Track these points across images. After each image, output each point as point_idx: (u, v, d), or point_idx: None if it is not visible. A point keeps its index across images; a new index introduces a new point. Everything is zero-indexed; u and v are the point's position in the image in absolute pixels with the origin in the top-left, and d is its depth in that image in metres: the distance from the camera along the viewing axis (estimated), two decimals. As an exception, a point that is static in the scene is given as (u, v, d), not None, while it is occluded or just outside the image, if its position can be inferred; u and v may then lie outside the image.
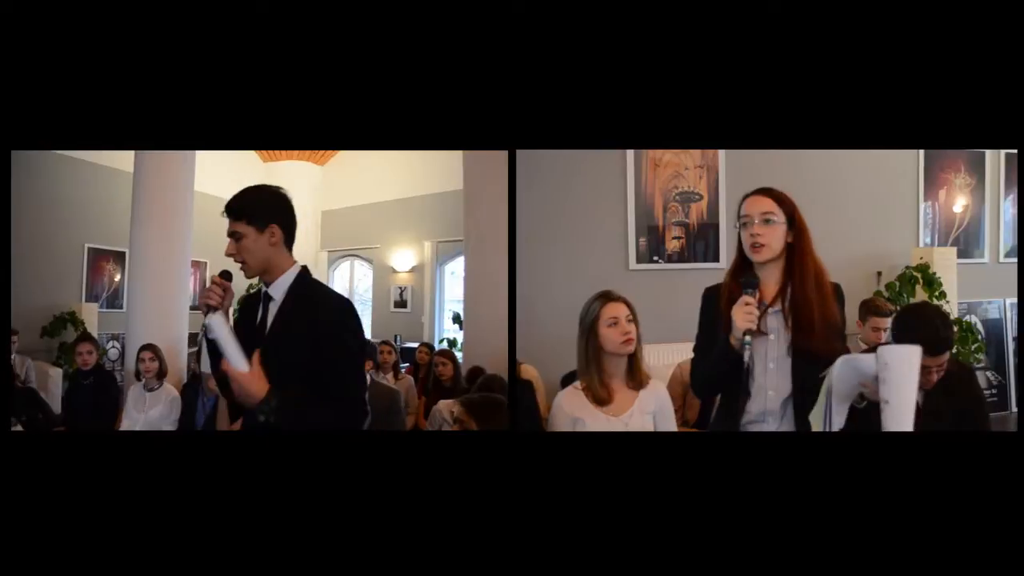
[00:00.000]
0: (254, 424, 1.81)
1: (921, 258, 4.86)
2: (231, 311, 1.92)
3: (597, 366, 2.15)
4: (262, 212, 1.83)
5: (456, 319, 6.93)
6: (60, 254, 6.47)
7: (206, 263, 7.86)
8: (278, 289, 1.86)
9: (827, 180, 4.67)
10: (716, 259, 4.46)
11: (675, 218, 4.52)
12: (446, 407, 3.38)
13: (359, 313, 1.92)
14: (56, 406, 4.79)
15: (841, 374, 1.79)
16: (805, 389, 1.87)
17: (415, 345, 6.25)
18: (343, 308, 1.84)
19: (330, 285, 5.82)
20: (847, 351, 1.92)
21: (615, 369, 2.17)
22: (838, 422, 1.83)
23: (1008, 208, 5.36)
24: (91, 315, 6.46)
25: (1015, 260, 5.23)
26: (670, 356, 3.78)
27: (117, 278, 6.95)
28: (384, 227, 8.66)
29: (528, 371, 3.44)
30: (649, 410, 2.19)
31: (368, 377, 3.37)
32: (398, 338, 7.88)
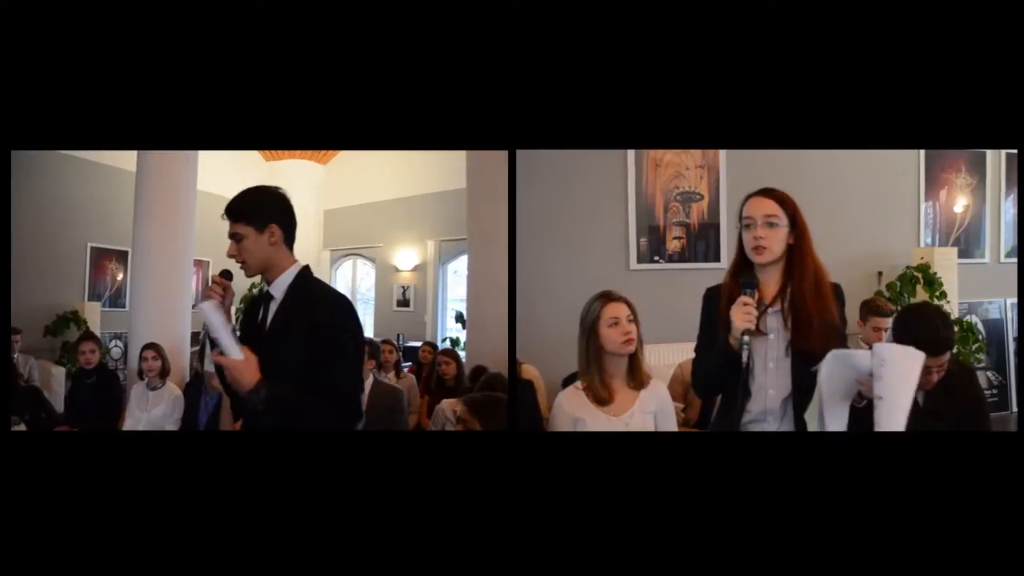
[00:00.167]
0: (255, 424, 1.83)
1: (922, 258, 4.86)
2: (232, 310, 1.94)
3: (598, 366, 2.15)
4: (261, 212, 1.85)
5: (459, 318, 6.92)
6: (63, 253, 6.47)
7: (209, 262, 7.85)
8: (278, 288, 1.88)
9: (828, 180, 4.66)
10: (717, 259, 4.45)
11: (676, 218, 4.51)
12: (449, 406, 3.38)
13: (361, 312, 1.92)
14: (59, 405, 4.80)
15: (833, 370, 1.80)
16: (804, 388, 1.88)
17: (418, 344, 6.24)
18: (341, 308, 1.85)
19: (333, 284, 5.84)
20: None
21: (616, 369, 2.17)
22: (839, 423, 1.83)
23: (1009, 208, 5.35)
24: (94, 314, 6.47)
25: (1016, 260, 5.21)
26: (671, 356, 3.78)
27: (120, 277, 6.95)
28: (386, 226, 8.65)
29: (528, 371, 3.44)
30: (650, 410, 2.19)
31: (371, 376, 3.38)
32: (401, 337, 7.88)
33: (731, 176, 4.52)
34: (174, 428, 3.94)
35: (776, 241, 1.88)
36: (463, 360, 4.70)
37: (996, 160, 5.32)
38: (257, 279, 1.95)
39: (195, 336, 5.16)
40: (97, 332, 5.85)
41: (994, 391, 5.12)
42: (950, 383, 2.25)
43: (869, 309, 3.45)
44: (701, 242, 4.53)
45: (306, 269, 1.91)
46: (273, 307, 1.88)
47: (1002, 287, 5.25)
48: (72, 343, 5.58)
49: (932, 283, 4.73)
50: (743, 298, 1.83)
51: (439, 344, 6.36)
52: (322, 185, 9.07)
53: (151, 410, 3.96)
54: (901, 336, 2.20)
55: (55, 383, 5.37)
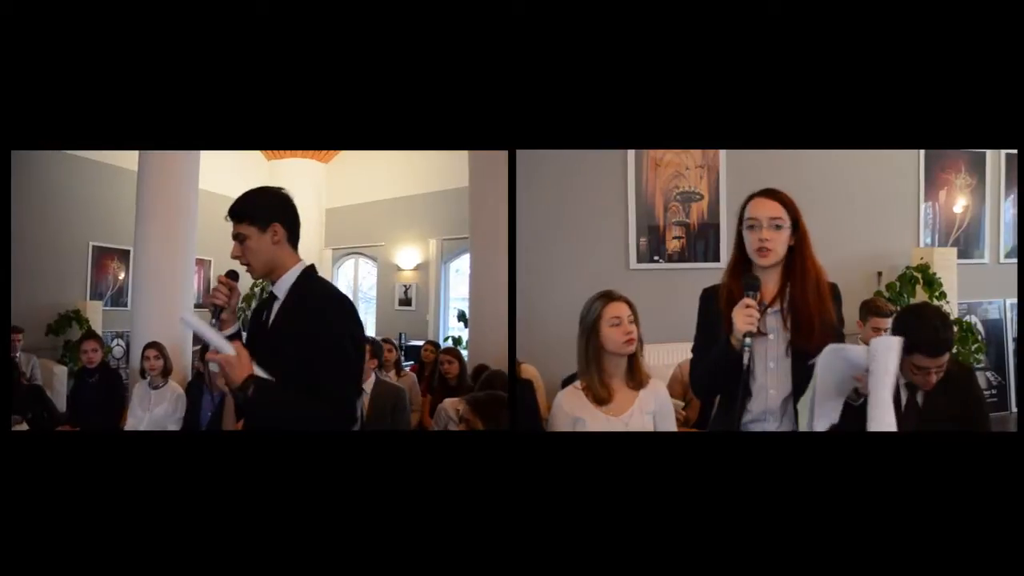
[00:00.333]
0: (257, 424, 1.83)
1: (921, 258, 4.85)
2: (238, 310, 1.94)
3: (598, 366, 2.15)
4: (263, 212, 1.84)
5: (461, 317, 6.92)
6: (65, 252, 6.47)
7: (210, 261, 7.86)
8: (281, 288, 1.87)
9: (827, 180, 4.66)
10: (716, 259, 4.44)
11: (676, 218, 4.51)
12: (451, 405, 3.39)
13: (363, 312, 1.92)
14: (61, 404, 4.80)
15: (828, 364, 1.81)
16: (804, 388, 1.88)
17: (420, 343, 6.25)
18: (340, 308, 1.83)
19: (334, 283, 5.83)
20: None
21: (615, 369, 2.18)
22: (831, 417, 1.84)
23: (1008, 208, 5.35)
24: (96, 313, 6.47)
25: (1015, 261, 5.21)
26: (670, 356, 3.78)
27: (121, 276, 6.96)
28: (388, 225, 8.64)
29: (528, 371, 3.44)
30: (649, 410, 2.19)
31: (373, 375, 3.38)
32: (403, 336, 7.88)
33: (731, 176, 4.52)
34: (176, 427, 3.95)
35: (780, 243, 1.88)
36: (465, 359, 4.70)
37: (996, 160, 5.32)
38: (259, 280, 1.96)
39: (197, 335, 5.16)
40: (99, 331, 5.86)
41: (993, 391, 5.12)
42: (949, 383, 2.25)
43: (869, 309, 3.45)
44: (701, 242, 4.52)
45: (310, 268, 1.90)
46: (276, 307, 1.87)
47: (1002, 287, 5.24)
48: (74, 342, 5.58)
49: (932, 283, 4.73)
50: (746, 300, 1.83)
51: (441, 343, 6.35)
52: (324, 184, 9.07)
53: (153, 409, 3.96)
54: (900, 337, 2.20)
55: (57, 382, 5.37)
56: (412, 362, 6.21)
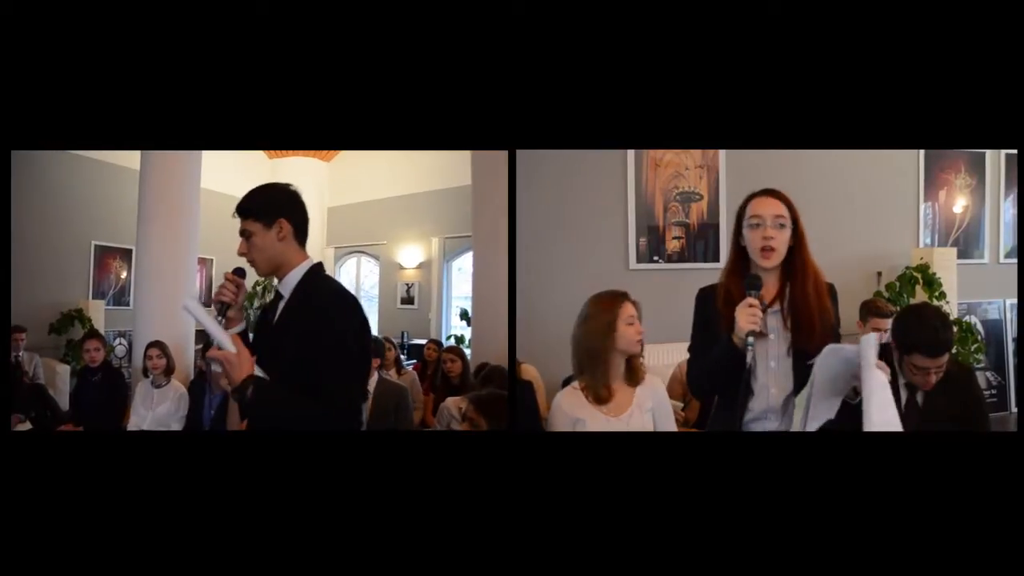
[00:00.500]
0: (257, 424, 1.82)
1: (921, 258, 4.85)
2: (244, 308, 1.93)
3: (605, 364, 2.17)
4: (269, 207, 1.82)
5: (464, 315, 6.92)
6: (67, 251, 6.49)
7: (212, 260, 7.88)
8: (287, 286, 1.84)
9: (827, 180, 4.66)
10: (716, 259, 4.43)
11: (675, 218, 4.50)
12: (454, 404, 3.40)
13: (365, 310, 1.86)
14: (64, 403, 4.82)
15: (827, 363, 1.82)
16: (804, 385, 1.89)
17: (423, 342, 6.25)
18: (344, 308, 1.79)
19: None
20: None
21: (617, 368, 2.19)
22: (825, 414, 1.85)
23: (1008, 209, 5.34)
24: (98, 312, 6.48)
25: (1015, 261, 5.21)
26: (670, 356, 3.78)
27: (124, 275, 6.97)
28: (391, 223, 8.65)
29: (528, 371, 3.44)
30: (648, 407, 2.21)
31: (376, 374, 3.39)
32: (405, 334, 7.89)
33: (731, 176, 4.51)
34: (179, 426, 3.94)
35: (783, 242, 1.89)
36: (468, 357, 4.71)
37: (995, 160, 5.31)
38: (264, 277, 1.93)
39: (199, 334, 5.17)
40: (102, 330, 5.88)
41: (993, 391, 5.11)
42: (949, 384, 2.25)
43: (869, 310, 3.45)
44: (700, 242, 4.52)
45: (317, 266, 1.87)
46: (281, 306, 1.84)
47: (1001, 288, 5.24)
48: (77, 341, 5.61)
49: (931, 283, 4.73)
50: (749, 299, 1.83)
51: (444, 342, 6.36)
52: (326, 182, 9.08)
53: (156, 408, 3.96)
54: (899, 337, 2.21)
55: (60, 381, 5.39)
56: (415, 361, 6.21)
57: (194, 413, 4.01)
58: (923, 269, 4.78)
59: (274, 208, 1.82)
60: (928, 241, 5.14)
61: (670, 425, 2.32)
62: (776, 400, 1.93)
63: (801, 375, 1.91)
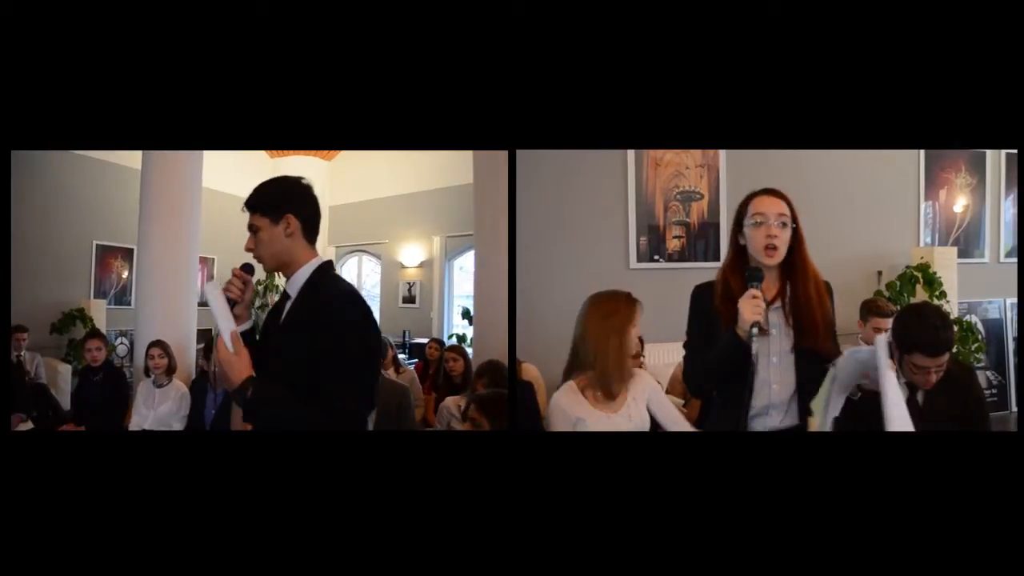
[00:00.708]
0: (258, 426, 1.78)
1: (922, 258, 4.85)
2: (256, 301, 1.90)
3: (621, 365, 2.23)
4: (276, 202, 1.76)
5: (465, 314, 6.92)
6: (69, 251, 6.50)
7: (214, 259, 7.89)
8: (294, 285, 1.77)
9: (827, 180, 4.66)
10: (717, 258, 4.40)
11: (676, 217, 4.50)
12: (453, 403, 3.41)
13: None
14: (66, 402, 4.83)
15: (846, 366, 1.89)
16: (808, 383, 1.93)
17: (424, 341, 6.25)
18: (351, 308, 1.70)
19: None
20: (837, 347, 1.99)
21: (628, 367, 2.26)
22: (833, 413, 1.91)
23: (1008, 208, 5.35)
24: (99, 312, 6.49)
25: (1015, 260, 5.21)
26: (670, 355, 3.77)
27: (125, 275, 6.98)
28: (392, 222, 8.64)
29: (529, 371, 3.44)
30: (642, 396, 2.27)
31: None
32: (407, 333, 7.89)
33: (731, 175, 4.51)
34: (180, 425, 3.95)
35: (785, 241, 1.90)
36: (470, 356, 4.71)
37: (996, 160, 5.32)
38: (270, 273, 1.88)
39: (201, 333, 5.18)
40: (103, 329, 5.87)
41: (993, 391, 5.11)
42: (950, 383, 2.25)
43: (870, 309, 3.45)
44: (701, 241, 4.52)
45: (326, 265, 1.80)
46: (288, 306, 1.78)
47: (1002, 287, 5.24)
48: (78, 341, 5.61)
49: (932, 283, 4.73)
50: (752, 291, 1.84)
51: (446, 341, 6.37)
52: (327, 181, 9.06)
53: (157, 407, 3.97)
54: (900, 336, 2.21)
55: (61, 380, 5.40)
56: (416, 360, 6.21)
57: (196, 412, 4.02)
58: (923, 268, 4.78)
59: (281, 203, 1.75)
60: (928, 240, 5.14)
61: (671, 408, 2.37)
62: (778, 396, 1.94)
63: (804, 373, 1.93)
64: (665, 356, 3.84)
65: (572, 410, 2.20)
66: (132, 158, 5.64)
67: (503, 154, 4.34)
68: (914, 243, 5.08)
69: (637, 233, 4.46)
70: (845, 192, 4.76)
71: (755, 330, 1.82)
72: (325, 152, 8.92)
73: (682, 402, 3.34)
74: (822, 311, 1.94)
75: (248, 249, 1.78)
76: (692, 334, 2.04)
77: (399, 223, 8.58)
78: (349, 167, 9.00)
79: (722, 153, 4.52)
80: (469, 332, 6.30)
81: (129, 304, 6.73)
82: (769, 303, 1.92)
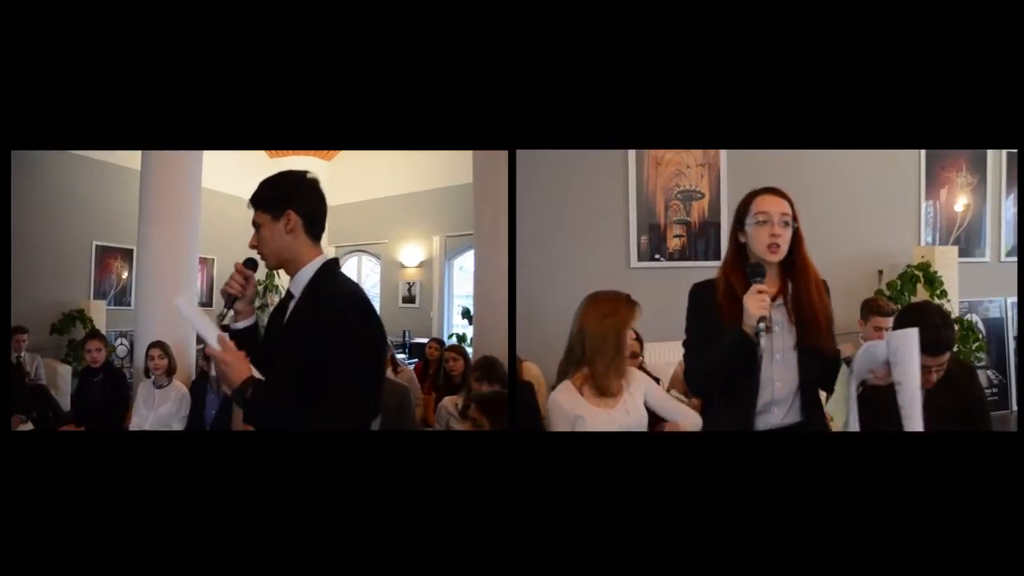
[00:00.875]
0: (260, 427, 1.74)
1: (922, 257, 4.86)
2: (255, 301, 1.86)
3: (621, 358, 2.25)
4: (276, 198, 1.71)
5: (466, 314, 6.93)
6: (68, 251, 6.50)
7: (213, 259, 7.89)
8: (298, 284, 1.72)
9: (828, 179, 4.67)
10: (717, 257, 4.36)
11: (676, 216, 4.50)
12: (451, 402, 3.41)
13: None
14: (65, 403, 4.83)
15: (861, 362, 1.91)
16: (809, 380, 1.95)
17: (424, 341, 6.25)
18: (355, 310, 1.65)
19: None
20: (836, 345, 2.01)
21: (625, 363, 2.28)
22: (855, 410, 1.95)
23: (1009, 207, 5.36)
24: (99, 312, 6.48)
25: (1016, 259, 5.22)
26: (671, 354, 3.77)
27: (125, 275, 6.98)
28: (392, 222, 8.64)
29: (530, 370, 3.44)
30: (639, 391, 2.30)
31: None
32: (407, 333, 7.89)
33: (732, 174, 4.51)
34: (180, 426, 3.95)
35: (787, 240, 1.90)
36: (470, 356, 4.71)
37: (997, 159, 5.32)
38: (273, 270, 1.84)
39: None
40: (103, 330, 5.87)
41: (994, 390, 5.12)
42: (950, 382, 2.26)
43: (870, 308, 3.44)
44: (702, 240, 4.52)
45: (331, 263, 1.74)
46: (292, 306, 1.73)
47: (1002, 286, 5.25)
48: (78, 341, 5.61)
49: (932, 282, 4.74)
50: (757, 286, 1.84)
51: (446, 340, 6.37)
52: (327, 181, 8.99)
53: (157, 408, 3.97)
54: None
55: (61, 381, 5.39)
56: (416, 360, 6.21)
57: (196, 413, 4.02)
58: (924, 267, 4.78)
59: (282, 198, 1.71)
60: (929, 239, 5.14)
61: (669, 399, 2.42)
62: (780, 393, 1.94)
63: (805, 369, 1.94)
64: (666, 355, 3.84)
65: (571, 407, 2.22)
66: (132, 158, 5.64)
67: (503, 154, 4.34)
68: (915, 242, 5.08)
69: (638, 232, 4.46)
70: (846, 191, 4.76)
71: (761, 325, 1.82)
72: (325, 152, 8.92)
73: (686, 401, 3.34)
74: (823, 309, 1.95)
75: (252, 246, 1.75)
76: (692, 333, 2.04)
77: (399, 223, 8.58)
78: (348, 167, 9.00)
79: (723, 152, 4.52)
80: (469, 332, 6.29)
81: (129, 305, 6.72)
82: (772, 300, 1.92)
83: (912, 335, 1.84)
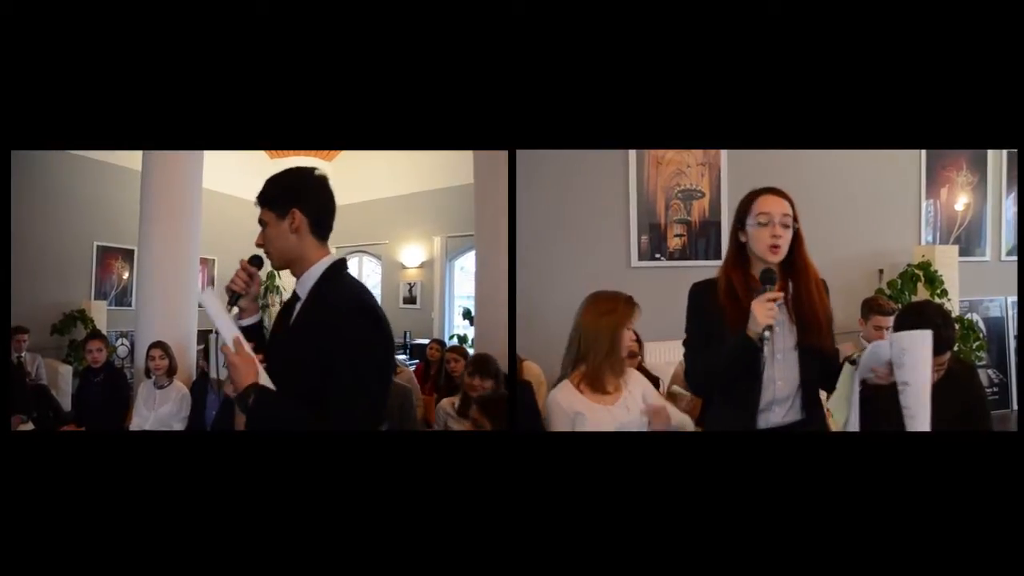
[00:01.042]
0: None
1: (923, 256, 4.86)
2: (257, 298, 1.83)
3: (619, 356, 2.26)
4: (282, 195, 1.68)
5: (467, 315, 6.93)
6: (69, 252, 6.50)
7: (214, 260, 7.89)
8: (304, 285, 1.69)
9: (828, 178, 4.67)
10: (718, 257, 4.35)
11: (677, 216, 4.51)
12: (448, 403, 3.41)
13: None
14: (66, 403, 4.84)
15: (868, 360, 1.90)
16: (809, 379, 1.96)
17: (425, 342, 6.25)
18: (359, 315, 1.60)
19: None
20: (836, 345, 2.02)
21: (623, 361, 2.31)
22: (856, 409, 1.93)
23: (1010, 206, 5.36)
24: (100, 313, 6.49)
25: (1016, 258, 5.22)
26: (671, 354, 3.78)
27: (126, 275, 6.98)
28: (393, 223, 8.64)
29: (530, 369, 3.45)
30: (636, 390, 2.31)
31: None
32: (408, 334, 7.89)
33: (732, 174, 4.51)
34: (181, 426, 3.95)
35: (787, 241, 1.91)
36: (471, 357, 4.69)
37: (997, 158, 5.33)
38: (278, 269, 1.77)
39: (202, 334, 5.19)
40: (104, 331, 5.88)
41: (995, 389, 5.12)
42: (951, 381, 2.26)
43: (871, 308, 3.45)
44: (702, 240, 4.52)
45: (338, 264, 1.70)
46: (298, 308, 1.69)
47: (1003, 285, 5.25)
48: (79, 341, 5.61)
49: (933, 281, 4.74)
50: (768, 294, 1.84)
51: (447, 341, 6.37)
52: (327, 181, 9.04)
53: (158, 408, 3.97)
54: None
55: (62, 381, 5.40)
56: (417, 361, 6.21)
57: (196, 414, 4.02)
58: (925, 267, 4.78)
59: (288, 197, 1.68)
60: (930, 238, 5.14)
61: (658, 395, 2.45)
62: (782, 392, 1.95)
63: (806, 369, 1.95)
64: (666, 355, 3.84)
65: (569, 405, 2.23)
66: (132, 159, 5.64)
67: (503, 154, 4.34)
68: (915, 241, 5.08)
69: (638, 232, 4.46)
70: (846, 190, 4.76)
71: (767, 333, 1.82)
72: (325, 152, 8.91)
73: (689, 396, 3.34)
74: (823, 308, 1.95)
75: (258, 245, 1.73)
76: (692, 332, 2.04)
77: (399, 223, 8.58)
78: (349, 167, 8.98)
79: (723, 152, 4.52)
80: (470, 332, 6.30)
81: (130, 305, 6.73)
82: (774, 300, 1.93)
83: (926, 337, 1.83)
